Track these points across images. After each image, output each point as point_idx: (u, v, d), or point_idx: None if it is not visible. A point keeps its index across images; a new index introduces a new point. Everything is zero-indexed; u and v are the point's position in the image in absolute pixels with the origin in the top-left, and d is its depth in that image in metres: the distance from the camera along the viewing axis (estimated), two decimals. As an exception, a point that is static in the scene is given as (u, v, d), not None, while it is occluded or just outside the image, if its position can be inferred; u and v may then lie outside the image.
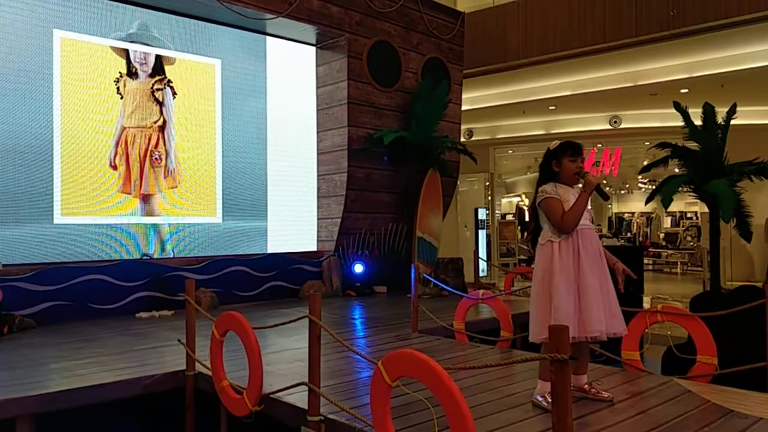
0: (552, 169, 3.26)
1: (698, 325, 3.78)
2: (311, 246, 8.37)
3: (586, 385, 3.23)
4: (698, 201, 9.95)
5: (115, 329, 5.52)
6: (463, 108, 10.07)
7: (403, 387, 2.48)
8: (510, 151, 16.31)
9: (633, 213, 21.92)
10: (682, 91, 10.08)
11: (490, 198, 15.00)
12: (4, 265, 5.59)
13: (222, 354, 3.53)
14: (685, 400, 3.26)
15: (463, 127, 11.23)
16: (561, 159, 3.23)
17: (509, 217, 18.76)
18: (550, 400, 3.05)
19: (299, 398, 3.13)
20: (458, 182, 10.52)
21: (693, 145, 7.49)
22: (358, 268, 8.11)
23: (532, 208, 3.33)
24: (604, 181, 17.72)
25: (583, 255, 3.10)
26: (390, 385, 2.44)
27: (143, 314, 6.24)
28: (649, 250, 17.54)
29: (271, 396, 3.24)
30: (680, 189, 7.56)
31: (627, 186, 22.05)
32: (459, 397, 2.11)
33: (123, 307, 6.31)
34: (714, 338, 3.73)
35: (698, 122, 7.44)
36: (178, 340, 4.05)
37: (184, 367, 3.89)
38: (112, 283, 6.27)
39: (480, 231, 13.84)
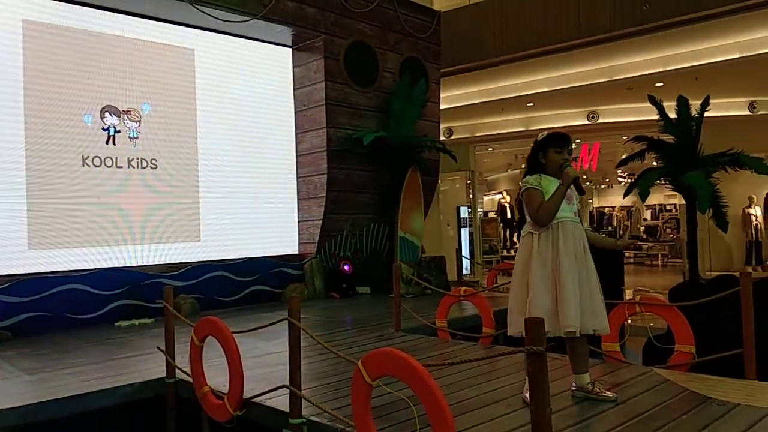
0: (539, 160, 3.20)
1: (676, 315, 3.82)
2: (292, 249, 8.33)
3: (589, 385, 3.15)
4: (676, 193, 10.06)
5: (94, 339, 5.44)
6: (442, 107, 10.09)
7: (383, 386, 2.46)
8: (490, 149, 16.35)
9: (613, 207, 22.13)
10: (657, 84, 10.19)
11: (471, 196, 15.03)
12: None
13: (202, 360, 3.49)
14: (663, 389, 3.29)
15: (443, 125, 11.25)
16: (547, 151, 3.18)
17: (491, 215, 18.82)
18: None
19: (281, 401, 3.10)
20: (439, 181, 10.53)
21: (668, 137, 7.56)
22: (341, 270, 8.08)
23: (518, 199, 3.28)
24: (584, 176, 17.87)
25: (562, 248, 3.03)
26: (370, 385, 2.43)
27: (122, 323, 6.16)
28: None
29: (253, 400, 3.21)
30: (657, 181, 7.64)
31: (607, 180, 22.26)
32: (438, 393, 2.11)
33: (101, 316, 6.22)
34: (693, 327, 3.77)
35: (673, 115, 7.52)
36: (158, 348, 4.00)
37: (164, 375, 3.85)
38: (89, 293, 6.18)
39: (462, 229, 13.87)
